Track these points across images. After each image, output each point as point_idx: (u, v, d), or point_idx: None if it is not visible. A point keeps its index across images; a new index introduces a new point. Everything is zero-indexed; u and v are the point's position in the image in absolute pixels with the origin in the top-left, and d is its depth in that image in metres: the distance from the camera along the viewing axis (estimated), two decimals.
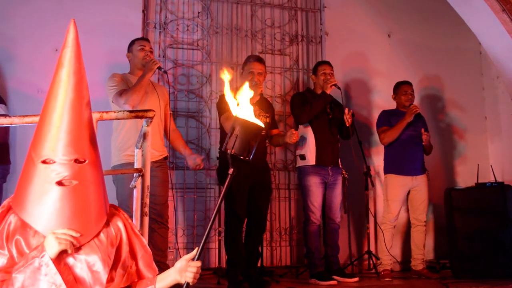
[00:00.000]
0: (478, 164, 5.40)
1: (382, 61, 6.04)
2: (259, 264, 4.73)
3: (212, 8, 5.59)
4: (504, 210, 4.91)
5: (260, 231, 4.50)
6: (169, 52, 5.39)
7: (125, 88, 3.99)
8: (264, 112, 4.48)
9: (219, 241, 5.04)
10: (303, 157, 4.71)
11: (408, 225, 5.35)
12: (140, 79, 3.96)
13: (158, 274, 1.96)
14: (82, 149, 1.73)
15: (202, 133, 5.34)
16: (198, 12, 5.54)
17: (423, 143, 5.02)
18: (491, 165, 5.62)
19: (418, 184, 5.06)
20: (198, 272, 1.89)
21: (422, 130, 5.01)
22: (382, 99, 5.83)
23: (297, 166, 4.85)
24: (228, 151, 1.95)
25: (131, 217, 2.32)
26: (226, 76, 2.10)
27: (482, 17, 4.85)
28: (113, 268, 1.83)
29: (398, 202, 5.02)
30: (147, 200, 2.63)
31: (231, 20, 5.65)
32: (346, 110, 4.68)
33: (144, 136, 2.64)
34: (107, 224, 1.85)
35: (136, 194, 2.70)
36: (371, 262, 5.25)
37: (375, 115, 5.73)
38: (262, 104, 4.54)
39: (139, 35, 5.02)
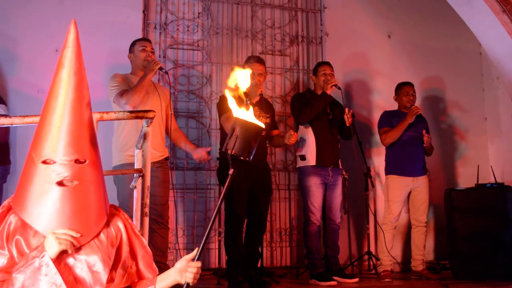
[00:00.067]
0: (478, 165, 5.40)
1: (382, 61, 6.04)
2: (259, 265, 4.73)
3: (212, 9, 5.59)
4: (504, 211, 4.91)
5: (260, 231, 4.50)
6: (170, 53, 5.40)
7: (126, 88, 3.99)
8: (264, 113, 4.48)
9: (219, 241, 5.04)
10: (303, 158, 4.71)
11: (408, 226, 5.35)
12: (142, 79, 3.96)
13: (158, 274, 1.96)
14: (82, 150, 1.73)
15: (202, 133, 5.34)
16: (199, 13, 5.55)
17: (424, 145, 5.02)
18: (491, 166, 5.62)
19: (419, 185, 5.06)
20: (198, 272, 1.89)
21: (424, 131, 5.01)
22: (383, 100, 5.84)
23: (297, 166, 4.85)
24: (229, 152, 1.96)
25: (131, 217, 2.32)
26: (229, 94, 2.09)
27: (482, 18, 4.85)
28: (113, 268, 1.83)
29: (399, 203, 5.03)
30: (147, 201, 2.63)
31: (231, 21, 5.65)
32: (347, 110, 4.69)
33: (145, 136, 2.64)
34: (107, 224, 1.86)
35: (136, 194, 2.70)
36: (371, 263, 5.25)
37: (376, 115, 5.74)
38: (262, 104, 4.54)
39: (140, 36, 5.03)
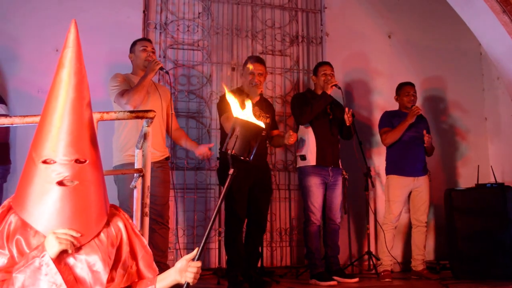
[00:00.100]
0: (478, 165, 5.40)
1: (382, 62, 6.04)
2: (259, 265, 4.73)
3: (212, 9, 5.60)
4: (504, 211, 4.91)
5: (260, 231, 4.50)
6: (170, 53, 5.40)
7: (127, 88, 3.99)
8: (264, 113, 4.48)
9: (219, 241, 5.04)
10: (303, 158, 4.71)
11: (409, 226, 5.35)
12: (142, 79, 3.96)
13: (158, 274, 1.96)
14: (82, 149, 1.73)
15: (203, 133, 5.34)
16: (199, 13, 5.55)
17: (425, 145, 5.02)
18: (491, 166, 5.62)
19: (420, 185, 5.06)
20: (198, 272, 1.89)
21: (424, 132, 5.01)
22: (383, 100, 5.84)
23: (297, 166, 4.86)
24: (229, 152, 1.96)
25: (131, 217, 2.32)
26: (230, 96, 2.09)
27: (482, 18, 4.86)
28: (113, 268, 1.83)
29: (400, 203, 5.03)
30: (148, 201, 2.63)
31: (231, 21, 5.65)
32: (347, 109, 4.69)
33: (145, 136, 2.64)
34: (107, 224, 1.86)
35: (137, 194, 2.70)
36: (371, 263, 5.25)
37: (376, 115, 5.74)
38: (263, 104, 4.54)
39: (140, 36, 5.03)
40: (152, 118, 2.63)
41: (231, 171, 1.97)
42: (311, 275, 4.61)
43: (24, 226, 1.72)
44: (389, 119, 5.16)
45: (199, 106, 5.40)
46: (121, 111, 2.65)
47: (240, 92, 4.38)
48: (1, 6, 4.85)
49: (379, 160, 5.70)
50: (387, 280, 4.82)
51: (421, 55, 6.15)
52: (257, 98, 4.44)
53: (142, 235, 2.06)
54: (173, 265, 1.95)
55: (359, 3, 6.06)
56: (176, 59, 5.41)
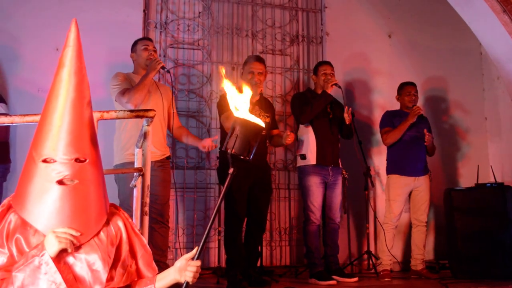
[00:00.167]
0: (478, 165, 5.40)
1: (382, 61, 6.04)
2: (258, 264, 4.73)
3: (213, 8, 5.60)
4: (503, 210, 4.91)
5: (260, 231, 4.50)
6: (170, 52, 5.40)
7: (128, 87, 3.99)
8: (264, 112, 4.48)
9: (219, 240, 5.04)
10: (303, 157, 4.71)
11: (409, 226, 5.35)
12: (143, 78, 3.97)
13: (157, 273, 1.96)
14: (82, 149, 1.74)
15: (203, 132, 5.34)
16: (199, 12, 5.55)
17: (426, 144, 5.01)
18: (491, 166, 5.63)
19: (420, 185, 5.06)
20: (197, 271, 1.89)
21: (425, 130, 5.01)
22: (383, 99, 5.85)
23: (297, 166, 4.86)
24: (228, 151, 1.96)
25: (131, 216, 2.32)
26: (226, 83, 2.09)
27: (482, 18, 4.86)
28: (113, 267, 1.83)
29: (400, 202, 5.03)
30: (147, 200, 2.64)
31: (231, 20, 5.65)
32: (346, 108, 4.69)
33: (145, 135, 2.64)
34: (107, 223, 1.86)
35: (136, 193, 2.70)
36: (371, 262, 5.26)
37: (376, 115, 5.75)
38: (263, 104, 4.54)
39: (140, 35, 5.04)
40: (152, 117, 2.63)
41: (231, 170, 1.97)
42: (310, 274, 4.61)
43: (23, 225, 1.72)
44: (390, 119, 5.16)
45: (199, 105, 5.40)
46: (121, 110, 2.66)
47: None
48: (1, 6, 4.85)
49: (379, 160, 5.71)
50: (386, 279, 4.82)
51: (421, 55, 6.15)
52: (257, 97, 4.44)
53: (142, 234, 2.07)
54: (172, 264, 1.95)
55: (360, 3, 6.06)
56: (176, 58, 5.41)
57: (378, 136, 5.48)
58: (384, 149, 5.34)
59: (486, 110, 6.34)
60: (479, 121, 6.31)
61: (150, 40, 4.37)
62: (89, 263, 1.75)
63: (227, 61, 5.55)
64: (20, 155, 4.56)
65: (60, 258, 1.69)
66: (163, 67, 4.06)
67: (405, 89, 5.22)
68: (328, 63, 4.93)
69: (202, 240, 1.92)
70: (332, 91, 4.73)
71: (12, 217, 1.74)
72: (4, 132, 4.49)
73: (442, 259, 5.52)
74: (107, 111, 2.55)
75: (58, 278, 1.64)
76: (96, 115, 2.34)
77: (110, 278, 1.80)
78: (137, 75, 4.17)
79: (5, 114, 4.08)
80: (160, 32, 5.37)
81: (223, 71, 2.16)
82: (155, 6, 5.39)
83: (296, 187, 5.47)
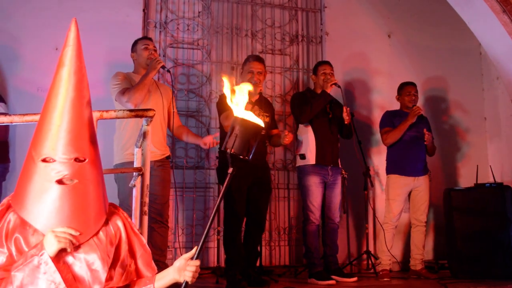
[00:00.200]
0: (477, 165, 5.41)
1: (382, 61, 6.04)
2: (258, 264, 4.74)
3: (212, 8, 5.59)
4: (503, 210, 4.91)
5: (259, 230, 4.50)
6: (169, 52, 5.40)
7: (128, 86, 3.99)
8: (264, 112, 4.48)
9: (218, 240, 5.04)
10: (303, 157, 4.71)
11: (409, 226, 5.34)
12: (143, 77, 3.96)
13: (157, 273, 1.96)
14: (82, 148, 1.74)
15: (202, 132, 5.34)
16: (199, 12, 5.55)
17: (425, 143, 5.01)
18: (490, 166, 5.63)
19: (420, 185, 5.06)
20: (197, 271, 1.89)
21: (425, 130, 5.01)
22: (382, 99, 5.85)
23: (297, 165, 4.86)
24: (228, 151, 1.96)
25: (130, 216, 2.32)
26: (226, 84, 2.09)
27: (482, 18, 4.86)
28: (112, 267, 1.83)
29: (400, 202, 5.02)
30: (147, 199, 2.63)
31: (231, 20, 5.65)
32: (344, 108, 4.69)
33: (144, 135, 2.64)
34: (106, 223, 1.86)
35: (136, 193, 2.70)
36: (370, 262, 5.26)
37: (376, 115, 5.75)
38: (262, 103, 4.54)
39: (140, 34, 5.03)
40: (151, 117, 2.63)
41: (230, 170, 1.97)
42: (309, 274, 4.61)
43: (23, 225, 1.72)
44: (390, 119, 5.16)
45: (199, 105, 5.40)
46: (120, 110, 2.65)
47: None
48: (1, 6, 4.85)
49: (378, 160, 5.71)
50: (385, 279, 4.82)
51: (420, 55, 6.16)
52: (257, 97, 4.45)
53: (141, 234, 2.07)
54: (172, 264, 1.95)
55: (359, 3, 6.06)
56: (176, 58, 5.41)
57: (377, 136, 5.48)
58: (383, 149, 5.34)
59: (486, 110, 6.34)
60: (478, 121, 6.32)
61: (150, 39, 4.37)
62: (88, 262, 1.75)
63: (226, 61, 5.55)
64: (20, 155, 4.56)
65: (59, 257, 1.69)
66: (163, 67, 4.05)
67: (405, 89, 5.22)
68: (327, 63, 4.93)
69: (202, 240, 1.92)
70: (331, 91, 4.73)
71: (11, 217, 1.74)
72: (3, 132, 4.49)
73: (441, 259, 5.52)
74: (107, 111, 2.55)
75: (57, 277, 1.64)
76: (95, 115, 2.34)
77: (109, 278, 1.80)
78: (137, 74, 4.16)
79: (5, 114, 4.08)
80: (160, 31, 5.37)
81: (225, 79, 2.15)
82: (154, 6, 5.39)
83: (296, 187, 5.47)
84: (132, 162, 3.63)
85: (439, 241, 5.75)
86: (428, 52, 6.18)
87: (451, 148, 6.16)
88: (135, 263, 1.94)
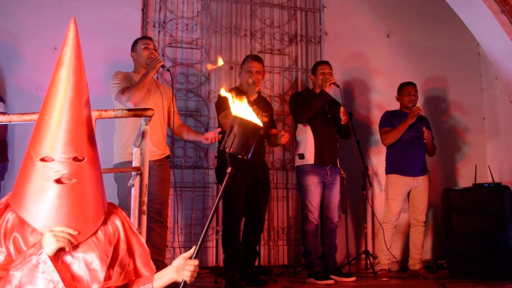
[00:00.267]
0: (476, 165, 5.41)
1: (381, 61, 6.04)
2: (256, 263, 4.74)
3: (211, 7, 5.59)
4: (501, 210, 4.92)
5: (258, 230, 4.50)
6: (168, 51, 5.39)
7: (128, 86, 3.98)
8: (263, 112, 4.48)
9: (217, 240, 5.04)
10: (302, 156, 4.71)
11: (408, 226, 5.35)
12: (143, 77, 3.95)
13: (155, 272, 1.96)
14: (81, 147, 1.74)
15: (201, 132, 5.33)
16: (198, 11, 5.55)
17: (425, 141, 5.01)
18: (488, 166, 5.63)
19: (419, 185, 5.06)
20: (195, 270, 1.90)
21: (424, 128, 5.01)
22: (381, 99, 5.86)
23: (295, 165, 4.86)
24: (227, 150, 1.96)
25: (129, 215, 2.32)
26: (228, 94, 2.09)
27: (481, 18, 4.86)
28: (110, 266, 1.83)
29: (399, 202, 5.02)
30: (145, 199, 2.63)
31: (230, 20, 5.65)
32: (342, 108, 4.69)
33: (143, 134, 2.64)
34: (105, 222, 1.86)
35: (134, 192, 2.70)
36: (368, 262, 5.26)
37: (374, 114, 5.76)
38: (261, 103, 4.54)
39: (139, 34, 5.03)
40: (150, 117, 2.63)
41: (229, 169, 1.97)
42: (308, 274, 4.61)
43: (21, 224, 1.72)
44: (390, 119, 5.16)
45: (198, 105, 5.40)
46: (119, 109, 2.65)
47: (239, 91, 4.38)
48: (1, 5, 4.85)
49: (377, 159, 5.71)
50: (384, 279, 4.83)
51: (419, 55, 6.16)
52: (255, 96, 4.45)
53: (140, 233, 2.07)
54: (170, 264, 1.95)
55: (358, 3, 6.06)
56: (175, 57, 5.41)
57: (376, 135, 5.48)
58: (382, 149, 5.35)
59: (484, 110, 6.35)
60: (477, 121, 6.32)
61: (151, 39, 4.36)
62: (87, 262, 1.75)
63: (225, 61, 5.54)
64: (18, 154, 4.56)
65: (57, 257, 1.70)
66: (163, 66, 4.05)
67: (405, 89, 5.22)
68: (326, 63, 4.93)
69: (200, 239, 1.92)
70: (330, 90, 4.73)
71: (9, 216, 1.74)
72: (2, 131, 4.48)
73: (440, 259, 5.52)
74: (105, 110, 2.55)
75: (56, 277, 1.65)
76: (94, 114, 2.34)
77: (107, 277, 1.80)
78: (137, 74, 4.15)
79: (3, 113, 4.07)
80: (159, 31, 5.37)
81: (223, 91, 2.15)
82: (153, 5, 5.39)
83: (294, 186, 5.47)
84: (131, 162, 3.64)
85: (438, 241, 5.75)
86: (427, 52, 6.18)
87: (449, 148, 6.16)
88: (134, 263, 1.94)
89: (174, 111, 4.25)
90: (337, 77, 5.12)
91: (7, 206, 1.77)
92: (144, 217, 2.63)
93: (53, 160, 1.69)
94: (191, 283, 1.90)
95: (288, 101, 5.03)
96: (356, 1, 6.06)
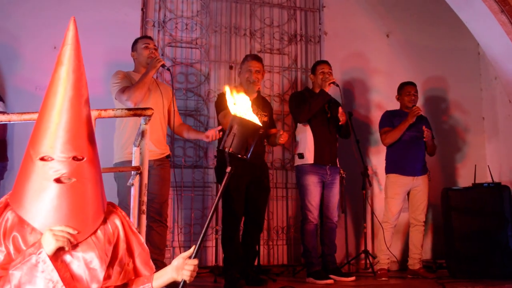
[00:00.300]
0: (475, 165, 5.41)
1: (380, 61, 6.04)
2: (256, 263, 4.73)
3: (211, 7, 5.59)
4: (501, 210, 4.92)
5: (258, 229, 4.50)
6: (168, 51, 5.39)
7: (128, 85, 3.98)
8: (262, 111, 4.48)
9: (216, 239, 5.04)
10: (301, 156, 4.71)
11: (408, 226, 5.34)
12: (143, 76, 3.95)
13: (155, 272, 1.96)
14: (80, 147, 1.74)
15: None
16: (197, 11, 5.54)
17: (424, 139, 5.01)
18: (488, 166, 5.63)
19: (419, 185, 5.06)
20: (195, 270, 1.90)
21: (423, 127, 5.00)
22: (381, 99, 5.86)
23: (295, 165, 4.86)
24: (226, 150, 1.96)
25: (129, 215, 2.32)
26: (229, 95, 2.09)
27: (481, 18, 4.86)
28: (110, 265, 1.83)
29: (398, 201, 5.02)
30: (145, 198, 2.63)
31: (230, 19, 5.65)
32: (340, 109, 4.69)
33: (142, 134, 2.64)
34: (104, 221, 1.86)
35: (134, 192, 2.70)
36: (368, 262, 5.26)
37: (374, 114, 5.76)
38: (260, 103, 4.54)
39: (138, 34, 5.03)
40: (149, 116, 2.63)
41: (228, 169, 1.98)
42: (307, 273, 4.61)
43: (21, 223, 1.72)
44: (390, 119, 5.16)
45: (197, 104, 5.40)
46: (118, 109, 2.65)
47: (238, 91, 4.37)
48: (1, 5, 4.85)
49: (376, 159, 5.71)
50: (383, 279, 4.82)
51: (419, 55, 6.16)
52: (255, 95, 4.45)
53: (139, 232, 2.07)
54: (170, 263, 1.95)
55: (358, 2, 6.06)
56: (174, 57, 5.40)
57: (376, 135, 5.48)
58: (381, 149, 5.35)
59: (484, 110, 6.35)
60: (476, 121, 6.32)
61: (151, 38, 4.36)
62: (86, 261, 1.75)
63: (225, 60, 5.55)
64: (18, 153, 4.55)
65: (57, 256, 1.70)
66: (163, 65, 4.04)
67: (405, 89, 5.21)
68: (326, 62, 4.93)
69: (200, 239, 1.92)
70: (330, 90, 4.73)
71: (9, 215, 1.74)
72: (1, 130, 4.48)
73: (439, 259, 5.52)
74: (105, 110, 2.55)
75: (55, 276, 1.65)
76: (93, 114, 2.34)
77: (107, 277, 1.80)
78: (137, 73, 4.15)
79: (3, 112, 4.07)
80: (158, 30, 5.36)
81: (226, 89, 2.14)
82: (153, 5, 5.38)
83: (294, 186, 5.47)
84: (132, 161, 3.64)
85: (437, 240, 5.75)
86: (427, 52, 6.18)
87: (449, 148, 6.16)
88: (133, 262, 1.94)
89: (174, 110, 4.25)
90: (337, 76, 5.12)
91: (6, 206, 1.77)
92: (144, 217, 2.63)
93: (52, 159, 1.69)
94: (191, 283, 1.90)
95: (288, 100, 5.03)
96: (356, 1, 6.06)
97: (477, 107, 6.35)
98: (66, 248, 1.69)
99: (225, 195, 4.23)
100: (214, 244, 5.09)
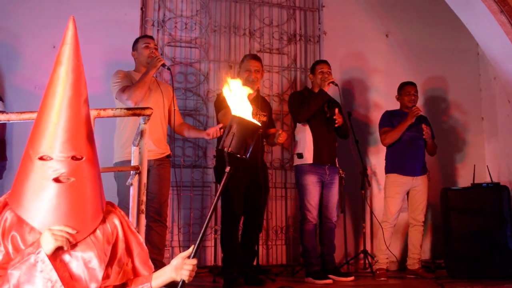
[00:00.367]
0: (474, 165, 5.41)
1: (380, 60, 6.04)
2: (255, 263, 4.73)
3: (210, 6, 5.59)
4: (500, 210, 4.92)
5: (257, 229, 4.50)
6: (167, 50, 5.39)
7: (128, 84, 3.98)
8: (261, 111, 4.49)
9: (215, 239, 5.04)
10: (300, 156, 4.71)
11: (407, 226, 5.34)
12: (144, 75, 3.95)
13: (154, 271, 1.96)
14: (79, 146, 1.74)
15: None
16: (197, 10, 5.54)
17: (424, 137, 5.01)
18: (487, 166, 5.64)
19: (418, 185, 5.05)
20: (194, 270, 1.90)
21: (423, 125, 5.00)
22: (380, 98, 5.85)
23: (294, 164, 4.86)
24: (225, 149, 1.96)
25: (128, 214, 2.32)
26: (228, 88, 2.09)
27: (480, 18, 4.86)
28: (109, 265, 1.83)
29: (397, 200, 5.01)
30: (144, 198, 2.63)
31: (229, 19, 5.64)
32: (336, 110, 4.69)
33: (141, 133, 2.64)
34: (103, 221, 1.86)
35: (133, 191, 2.70)
36: (367, 262, 5.26)
37: (373, 114, 5.76)
38: (260, 102, 4.54)
39: (138, 33, 5.03)
40: (149, 116, 2.63)
41: (227, 169, 1.97)
42: (306, 273, 4.61)
43: (19, 223, 1.72)
44: (390, 119, 5.16)
45: (196, 104, 5.40)
46: (118, 108, 2.66)
47: None
48: (1, 4, 4.84)
49: (375, 159, 5.71)
50: (382, 279, 4.82)
51: (418, 55, 6.16)
52: (254, 95, 4.44)
53: (138, 232, 2.07)
54: (168, 263, 1.95)
55: (357, 2, 6.06)
56: (174, 56, 5.40)
57: (375, 135, 5.48)
58: (381, 149, 5.35)
59: (483, 110, 6.35)
60: (476, 121, 6.32)
61: (151, 38, 4.35)
62: (85, 261, 1.75)
63: (224, 60, 5.55)
64: (17, 153, 4.55)
65: (56, 256, 1.69)
66: (163, 65, 4.04)
67: (405, 89, 5.21)
68: (325, 62, 4.93)
69: (199, 239, 1.92)
70: (329, 90, 4.73)
71: (8, 215, 1.74)
72: (0, 130, 4.48)
73: (438, 259, 5.52)
74: (104, 109, 2.55)
75: (54, 275, 1.64)
76: (93, 113, 2.34)
77: (106, 276, 1.80)
78: (138, 73, 4.14)
79: (2, 112, 4.07)
80: (158, 30, 5.36)
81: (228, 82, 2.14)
82: (152, 4, 5.38)
83: (293, 186, 5.46)
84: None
85: (436, 240, 5.75)
86: (426, 52, 6.18)
87: (448, 148, 6.15)
88: (132, 262, 1.94)
89: (174, 109, 4.24)
90: (336, 76, 5.12)
91: (5, 205, 1.77)
92: (143, 216, 2.63)
93: (51, 159, 1.69)
94: (190, 283, 1.90)
95: (287, 100, 5.03)
96: (355, 1, 6.06)
97: (476, 107, 6.35)
98: (65, 248, 1.69)
99: (224, 195, 4.23)
100: (213, 244, 5.09)
